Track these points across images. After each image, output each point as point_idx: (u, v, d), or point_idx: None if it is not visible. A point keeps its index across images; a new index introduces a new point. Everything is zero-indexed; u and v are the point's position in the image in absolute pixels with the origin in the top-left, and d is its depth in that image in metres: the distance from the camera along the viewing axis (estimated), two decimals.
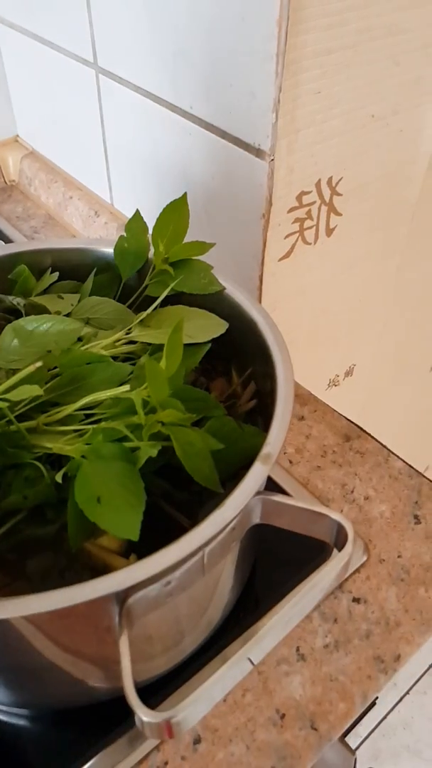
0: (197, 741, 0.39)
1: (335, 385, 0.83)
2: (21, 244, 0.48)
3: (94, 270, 0.47)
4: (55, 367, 0.37)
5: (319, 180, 0.56)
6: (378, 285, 0.74)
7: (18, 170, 0.88)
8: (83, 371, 0.37)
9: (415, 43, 0.53)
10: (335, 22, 0.46)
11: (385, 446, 0.56)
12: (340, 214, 0.61)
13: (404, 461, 0.55)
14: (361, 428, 0.57)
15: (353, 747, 1.12)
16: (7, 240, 0.75)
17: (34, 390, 0.32)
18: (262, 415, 0.43)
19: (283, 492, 0.52)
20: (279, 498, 0.33)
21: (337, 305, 0.71)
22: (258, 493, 0.32)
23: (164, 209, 0.46)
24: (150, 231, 0.47)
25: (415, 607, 0.45)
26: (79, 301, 0.45)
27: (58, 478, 0.32)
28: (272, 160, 0.50)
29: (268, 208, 0.54)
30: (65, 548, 0.35)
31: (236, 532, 0.33)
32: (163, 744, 0.39)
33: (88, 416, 0.36)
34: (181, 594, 0.32)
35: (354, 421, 0.59)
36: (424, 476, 0.53)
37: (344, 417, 0.59)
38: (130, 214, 0.74)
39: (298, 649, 0.43)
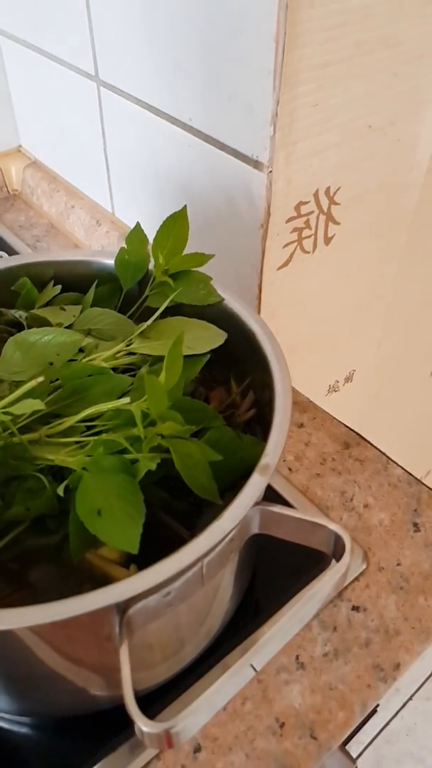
0: (197, 750, 0.40)
1: (335, 391, 0.83)
2: (23, 256, 0.49)
3: (96, 282, 0.47)
4: (57, 379, 0.38)
5: (317, 190, 0.56)
6: (377, 291, 0.75)
7: (21, 180, 0.88)
8: (84, 383, 0.38)
9: (411, 54, 0.53)
10: (332, 36, 0.47)
11: (384, 454, 0.56)
12: (338, 223, 0.61)
13: (403, 469, 0.55)
14: (360, 435, 0.58)
15: (356, 754, 1.12)
16: (10, 249, 0.76)
17: (36, 404, 0.32)
18: (261, 424, 0.43)
19: (283, 500, 0.52)
20: (277, 508, 0.33)
21: (336, 312, 0.72)
22: (256, 503, 0.33)
23: (164, 221, 0.47)
24: (150, 242, 0.48)
25: (415, 615, 0.46)
26: (80, 312, 0.45)
27: (60, 491, 0.32)
28: (270, 171, 0.51)
29: (266, 219, 0.54)
30: (66, 558, 0.35)
31: (235, 542, 0.33)
32: (163, 753, 0.40)
33: (89, 428, 0.37)
34: (181, 604, 0.32)
35: (354, 426, 0.59)
36: (424, 484, 0.54)
37: (344, 424, 0.59)
38: (131, 224, 0.75)
39: (297, 657, 0.44)
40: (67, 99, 0.74)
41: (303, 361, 0.72)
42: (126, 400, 0.35)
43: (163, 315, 0.45)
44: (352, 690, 0.42)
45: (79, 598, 0.27)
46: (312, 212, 0.58)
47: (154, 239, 0.47)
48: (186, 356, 0.40)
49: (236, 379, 0.46)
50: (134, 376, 0.41)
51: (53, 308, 0.46)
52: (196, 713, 0.28)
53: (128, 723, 0.40)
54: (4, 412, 0.32)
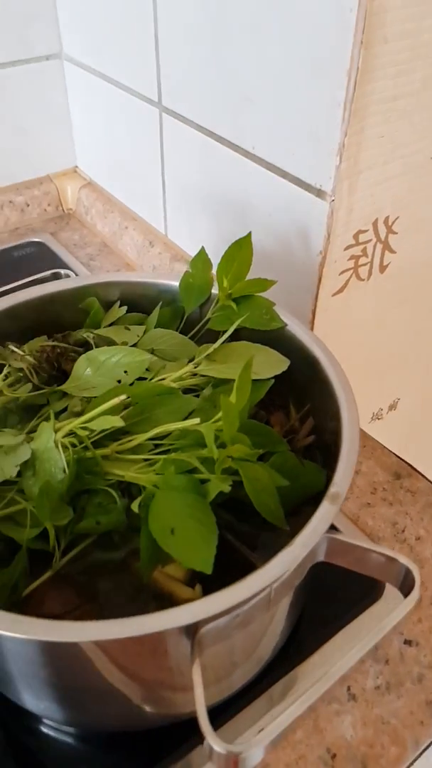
0: None
1: (378, 419, 0.83)
2: (91, 276, 0.50)
3: (160, 303, 0.48)
4: (128, 397, 0.38)
5: (377, 219, 0.57)
6: (428, 320, 0.74)
7: (76, 199, 0.91)
8: (153, 402, 0.38)
9: None
10: (402, 70, 0.47)
11: None
12: (394, 252, 0.62)
13: None
14: (411, 466, 0.57)
15: None
16: (65, 267, 0.77)
17: (116, 421, 0.33)
18: (321, 450, 0.44)
19: (333, 528, 0.52)
20: (346, 538, 0.33)
21: (386, 339, 0.72)
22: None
23: (229, 247, 0.48)
24: (213, 267, 0.49)
25: None
26: (144, 332, 0.46)
27: (135, 507, 0.33)
28: (333, 200, 0.52)
29: (326, 246, 0.55)
30: (131, 574, 0.36)
31: (301, 569, 0.33)
32: None
33: (156, 446, 0.37)
34: (246, 627, 0.32)
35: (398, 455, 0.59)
36: None
37: (394, 454, 0.59)
38: (184, 246, 0.77)
39: (349, 688, 0.43)
40: (127, 123, 0.76)
41: None
42: (197, 420, 0.36)
43: (225, 338, 0.46)
44: (405, 726, 0.42)
45: (157, 615, 0.28)
46: (370, 240, 0.58)
47: (219, 264, 0.48)
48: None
49: (295, 404, 0.46)
50: (197, 397, 0.42)
51: (118, 328, 0.47)
52: (265, 741, 0.28)
53: (173, 745, 0.40)
54: (82, 427, 0.33)
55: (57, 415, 0.38)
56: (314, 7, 0.45)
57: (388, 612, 0.45)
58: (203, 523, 0.31)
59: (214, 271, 0.50)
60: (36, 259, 0.80)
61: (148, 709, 0.38)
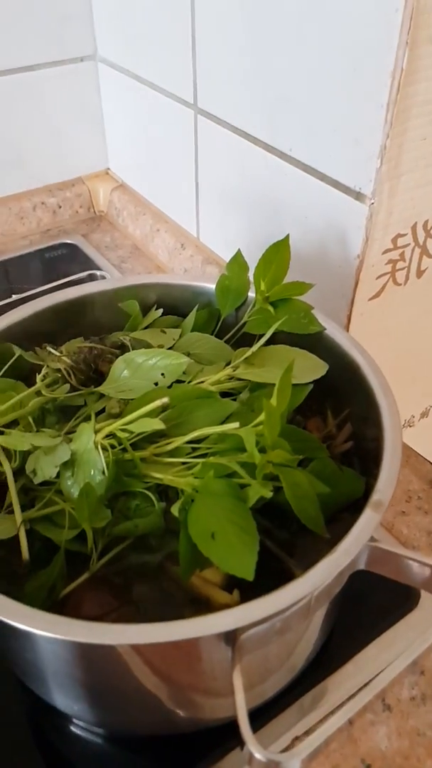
0: None
1: (410, 426, 0.82)
2: (127, 278, 0.50)
3: (196, 306, 0.48)
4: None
5: (416, 223, 0.56)
6: None
7: (107, 201, 0.91)
8: (191, 405, 0.38)
9: None
10: None
11: None
12: (431, 257, 0.61)
13: None
14: None
15: None
16: (97, 268, 0.78)
17: (156, 423, 0.33)
18: (359, 457, 0.43)
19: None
20: (389, 546, 0.33)
21: (421, 345, 0.71)
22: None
23: (267, 250, 0.47)
24: (250, 270, 0.49)
25: None
26: (181, 335, 0.46)
27: (175, 510, 0.32)
28: (373, 203, 0.51)
29: (364, 250, 0.54)
30: (168, 577, 0.35)
31: (341, 577, 0.33)
32: None
33: (194, 449, 0.37)
34: (286, 634, 0.32)
35: None
36: None
37: (429, 462, 0.58)
38: (216, 249, 0.76)
39: (384, 699, 0.43)
40: (161, 125, 0.76)
41: None
42: (235, 424, 0.35)
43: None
44: None
45: (198, 619, 0.27)
46: (408, 245, 0.57)
47: (257, 267, 0.48)
48: None
49: (332, 409, 0.46)
50: (234, 401, 0.42)
51: (154, 330, 0.47)
52: (305, 752, 0.27)
53: (201, 753, 0.40)
54: (122, 429, 0.33)
55: (95, 416, 0.38)
56: (357, 7, 0.45)
57: (425, 622, 0.45)
58: (244, 529, 0.31)
59: (249, 274, 0.49)
60: (68, 260, 0.81)
61: (182, 713, 0.37)
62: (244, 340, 0.48)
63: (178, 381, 0.41)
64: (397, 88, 0.45)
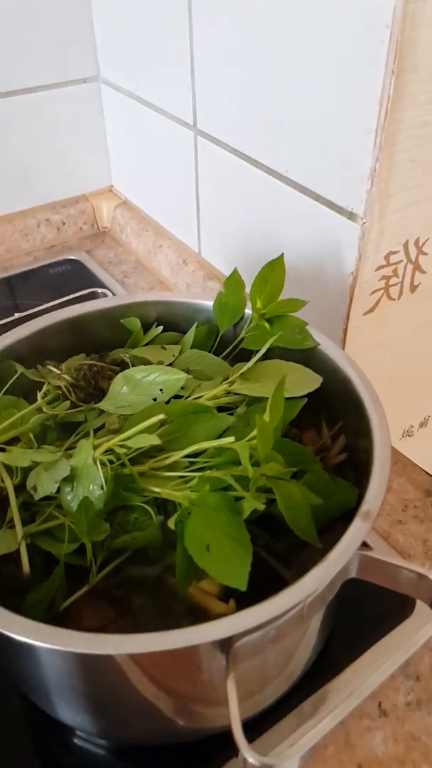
0: None
1: (409, 436, 0.83)
2: (128, 296, 0.52)
3: (196, 323, 0.50)
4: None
5: (407, 241, 0.58)
6: None
7: (111, 218, 0.93)
8: (188, 420, 0.40)
9: None
10: None
11: None
12: (424, 272, 0.62)
13: None
14: None
15: None
16: (101, 284, 0.79)
17: (153, 439, 0.34)
18: (352, 468, 0.44)
19: (365, 544, 0.52)
20: (378, 555, 0.34)
21: (417, 357, 0.72)
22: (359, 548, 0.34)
23: (263, 268, 0.49)
24: (246, 287, 0.50)
25: None
26: (180, 352, 0.47)
27: (171, 524, 0.34)
28: (365, 223, 0.53)
29: (357, 267, 0.56)
30: (166, 588, 0.37)
31: (333, 585, 0.34)
32: None
33: (191, 463, 0.39)
34: (278, 643, 0.33)
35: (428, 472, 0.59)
36: None
37: (425, 471, 0.59)
38: (217, 264, 0.78)
39: (380, 704, 0.44)
40: (162, 145, 0.78)
41: None
42: (231, 438, 0.37)
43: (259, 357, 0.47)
44: None
45: (192, 629, 0.29)
46: (400, 261, 0.59)
47: (253, 284, 0.49)
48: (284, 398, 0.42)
49: (327, 422, 0.47)
50: (230, 415, 0.43)
51: (154, 347, 0.48)
52: (298, 753, 0.28)
53: (207, 757, 0.41)
54: (120, 445, 0.34)
55: (94, 432, 0.39)
56: (346, 37, 0.47)
57: (420, 628, 0.46)
58: (238, 541, 0.32)
59: (247, 290, 0.51)
60: (72, 276, 0.83)
61: (181, 722, 0.39)
62: (242, 355, 0.49)
63: (177, 396, 0.43)
64: (385, 114, 0.47)
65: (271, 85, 0.56)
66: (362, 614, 0.48)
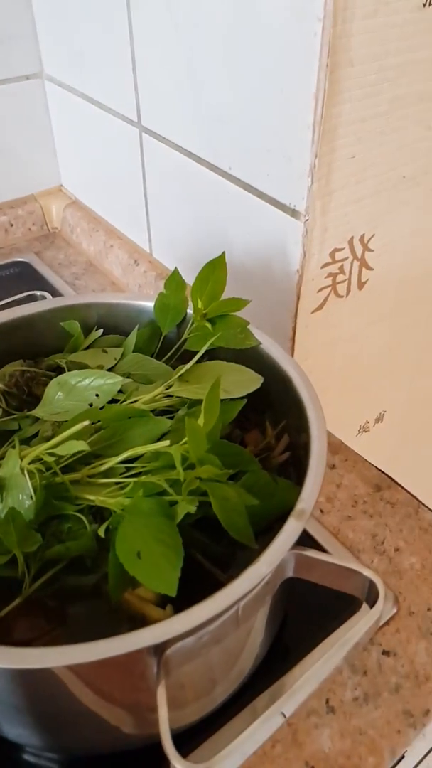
0: None
1: (365, 431, 0.83)
2: (66, 298, 0.51)
3: (137, 326, 0.49)
4: (99, 420, 0.39)
5: (352, 237, 0.58)
6: (409, 333, 0.75)
7: (61, 218, 0.92)
8: (125, 425, 0.39)
9: None
10: (370, 92, 0.48)
11: (415, 497, 0.56)
12: (371, 269, 0.63)
13: None
14: (391, 478, 0.58)
15: None
16: (50, 286, 0.78)
17: (80, 445, 0.34)
18: (295, 467, 0.44)
19: (314, 542, 0.53)
20: (312, 553, 0.34)
21: (369, 354, 0.72)
22: (292, 547, 0.33)
23: (203, 268, 0.48)
24: (188, 287, 0.50)
25: None
26: (123, 355, 0.47)
27: (101, 532, 0.33)
28: (307, 220, 0.53)
29: (302, 264, 0.56)
30: (104, 597, 0.36)
31: (270, 585, 0.34)
32: None
33: (128, 469, 0.38)
34: (216, 646, 0.33)
35: (383, 467, 0.60)
36: None
37: (375, 467, 0.60)
38: (168, 264, 0.77)
39: (327, 701, 0.44)
40: (109, 143, 0.77)
41: (334, 401, 0.73)
42: (166, 443, 0.36)
43: (201, 358, 0.46)
44: (382, 736, 0.42)
45: (119, 638, 0.28)
46: (346, 258, 0.59)
47: (193, 285, 0.49)
48: (223, 400, 0.41)
49: (271, 421, 0.47)
50: (172, 418, 0.43)
51: (95, 350, 0.48)
52: (231, 756, 0.28)
53: (156, 763, 0.40)
54: (49, 453, 0.34)
55: (29, 440, 0.38)
56: (280, 33, 0.46)
57: (367, 623, 0.46)
58: (169, 546, 0.32)
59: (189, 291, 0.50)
60: (20, 279, 0.81)
61: (126, 731, 0.38)
62: (187, 357, 0.49)
63: (115, 401, 0.42)
64: (322, 109, 0.46)
65: (210, 80, 0.55)
66: (315, 610, 0.48)
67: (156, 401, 0.42)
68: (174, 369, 0.47)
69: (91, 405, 0.40)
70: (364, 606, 0.47)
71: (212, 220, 0.65)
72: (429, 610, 0.48)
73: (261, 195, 0.56)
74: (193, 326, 0.49)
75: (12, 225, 0.88)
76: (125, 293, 0.78)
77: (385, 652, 0.46)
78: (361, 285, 0.63)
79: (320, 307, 0.61)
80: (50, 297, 0.65)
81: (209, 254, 0.53)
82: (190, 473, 0.34)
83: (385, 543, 0.53)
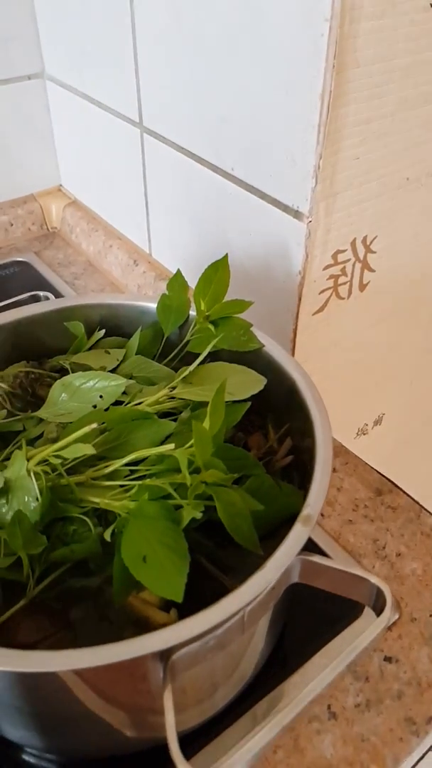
0: None
1: (364, 434, 0.83)
2: (69, 299, 0.50)
3: (140, 327, 0.49)
4: (103, 422, 0.39)
5: (355, 239, 0.58)
6: (409, 336, 0.75)
7: (60, 218, 0.91)
8: (129, 427, 0.39)
9: None
10: (375, 93, 0.48)
11: (417, 502, 0.56)
12: (373, 271, 0.63)
13: None
14: (393, 482, 0.58)
15: None
16: (49, 286, 0.78)
17: (87, 449, 0.33)
18: (298, 471, 0.44)
19: (316, 546, 0.52)
20: (318, 559, 0.33)
21: (369, 356, 0.72)
22: (298, 553, 0.33)
23: (206, 269, 0.48)
24: (190, 288, 0.49)
25: None
26: (125, 356, 0.46)
27: (107, 536, 0.33)
28: (310, 221, 0.52)
29: (304, 266, 0.56)
30: (107, 600, 0.36)
31: (275, 591, 0.34)
32: None
33: (132, 471, 0.38)
34: (221, 651, 0.32)
35: (382, 470, 0.59)
36: None
37: (376, 470, 0.59)
38: (168, 265, 0.77)
39: (329, 707, 0.43)
40: (110, 143, 0.76)
41: (333, 403, 0.72)
42: (171, 446, 0.36)
43: (204, 359, 0.46)
44: (384, 743, 0.42)
45: (127, 642, 0.28)
46: (348, 260, 0.59)
47: (196, 286, 0.48)
48: (227, 402, 0.41)
49: (274, 424, 0.47)
50: (175, 420, 0.42)
51: (98, 352, 0.47)
52: (236, 762, 0.28)
53: (158, 766, 0.40)
54: (55, 455, 0.33)
55: (33, 441, 0.38)
56: (287, 33, 0.46)
57: (369, 629, 0.46)
58: (175, 551, 0.31)
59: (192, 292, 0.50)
60: (19, 278, 0.81)
61: (128, 734, 0.38)
62: (189, 358, 0.48)
63: (119, 402, 0.42)
64: (327, 109, 0.46)
65: (214, 81, 0.55)
66: (315, 616, 0.48)
67: (160, 403, 0.42)
68: (176, 371, 0.47)
69: (95, 407, 0.39)
70: (366, 612, 0.48)
71: (213, 221, 0.64)
72: (431, 616, 0.48)
73: (263, 196, 0.56)
74: (196, 328, 0.48)
75: (12, 225, 0.87)
76: (128, 294, 0.78)
77: (387, 659, 0.46)
78: (362, 287, 0.63)
79: (321, 309, 0.61)
80: (53, 298, 0.64)
81: (210, 255, 0.53)
82: (196, 477, 0.34)
83: (387, 548, 0.53)
